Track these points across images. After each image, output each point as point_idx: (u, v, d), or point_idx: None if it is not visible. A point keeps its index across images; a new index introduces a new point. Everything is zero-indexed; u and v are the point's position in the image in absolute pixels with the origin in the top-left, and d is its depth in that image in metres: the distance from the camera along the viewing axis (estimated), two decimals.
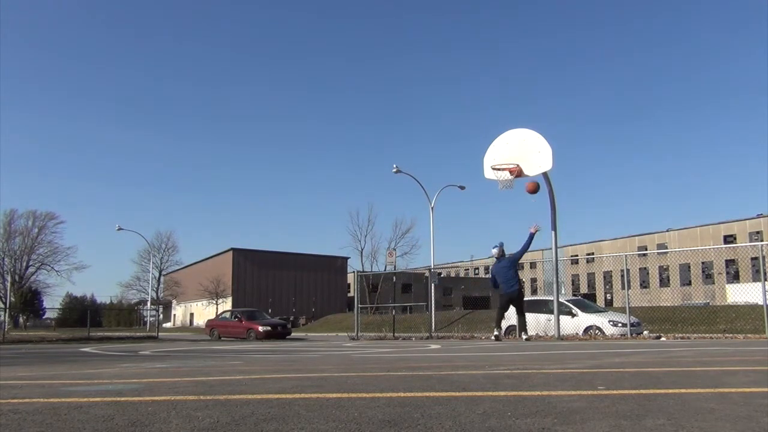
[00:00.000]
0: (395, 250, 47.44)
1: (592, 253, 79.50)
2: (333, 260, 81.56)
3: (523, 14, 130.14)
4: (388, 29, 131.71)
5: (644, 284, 71.47)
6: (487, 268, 77.82)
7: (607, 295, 77.12)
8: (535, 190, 12.25)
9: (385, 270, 51.50)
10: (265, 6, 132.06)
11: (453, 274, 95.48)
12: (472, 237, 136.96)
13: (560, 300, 18.70)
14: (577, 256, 76.18)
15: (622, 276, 77.26)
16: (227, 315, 29.95)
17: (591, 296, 74.13)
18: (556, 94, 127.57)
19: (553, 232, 12.93)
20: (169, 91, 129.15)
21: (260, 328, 25.80)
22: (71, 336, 22.59)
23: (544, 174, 12.48)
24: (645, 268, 72.48)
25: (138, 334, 27.77)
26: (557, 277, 13.64)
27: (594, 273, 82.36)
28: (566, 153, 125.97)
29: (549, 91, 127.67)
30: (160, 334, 25.91)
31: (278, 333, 26.04)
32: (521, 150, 12.14)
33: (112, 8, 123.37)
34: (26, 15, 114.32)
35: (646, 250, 71.92)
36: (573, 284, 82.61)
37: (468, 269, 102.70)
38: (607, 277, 79.42)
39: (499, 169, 12.21)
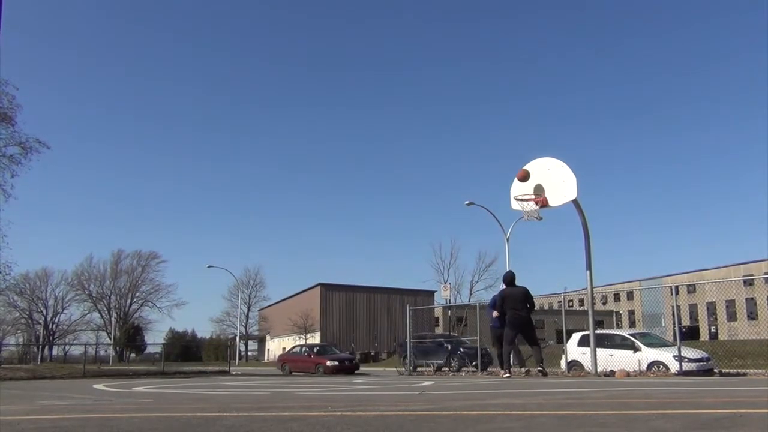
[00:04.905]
0: (450, 284, 47.21)
1: (692, 284, 74.74)
2: (416, 294, 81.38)
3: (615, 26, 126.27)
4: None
5: (752, 315, 66.33)
6: (581, 301, 75.13)
7: (712, 327, 72.14)
8: (523, 177, 12.19)
9: (468, 302, 51.05)
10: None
11: (546, 306, 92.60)
12: (561, 269, 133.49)
13: (622, 334, 17.85)
14: (677, 284, 71.65)
15: (727, 307, 72.24)
16: (297, 350, 30.67)
17: (694, 329, 69.34)
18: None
19: (588, 271, 12.27)
20: (248, 117, 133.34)
21: (328, 363, 26.42)
22: (147, 370, 23.80)
23: (575, 202, 12.00)
24: (752, 299, 67.34)
25: (208, 368, 28.83)
26: (592, 315, 12.89)
27: (696, 304, 77.41)
28: (668, 176, 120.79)
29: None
30: (233, 369, 26.79)
31: (345, 367, 26.62)
32: (546, 179, 11.78)
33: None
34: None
35: (752, 278, 66.90)
36: (673, 316, 77.72)
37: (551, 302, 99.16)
38: (711, 308, 74.35)
39: (523, 200, 11.91)
